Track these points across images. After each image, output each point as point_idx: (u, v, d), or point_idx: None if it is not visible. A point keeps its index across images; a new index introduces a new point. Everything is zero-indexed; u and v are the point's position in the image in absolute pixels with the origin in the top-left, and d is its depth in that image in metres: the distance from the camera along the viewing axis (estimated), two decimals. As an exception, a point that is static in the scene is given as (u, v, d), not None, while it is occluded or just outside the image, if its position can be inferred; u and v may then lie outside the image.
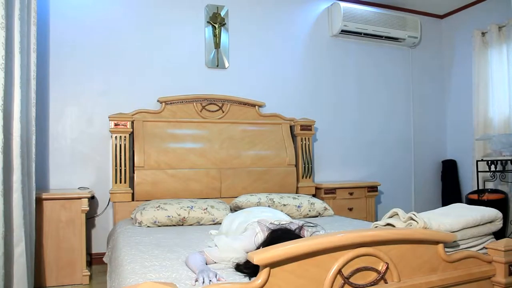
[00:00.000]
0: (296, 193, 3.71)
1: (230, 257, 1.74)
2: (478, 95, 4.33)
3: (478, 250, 1.78)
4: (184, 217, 2.89)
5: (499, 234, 2.33)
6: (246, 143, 3.66)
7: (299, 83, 4.21)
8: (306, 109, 4.16)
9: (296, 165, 3.83)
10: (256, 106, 3.87)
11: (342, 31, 4.24)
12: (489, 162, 3.86)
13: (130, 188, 3.27)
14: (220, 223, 2.60)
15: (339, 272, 1.41)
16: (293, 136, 3.89)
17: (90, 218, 3.36)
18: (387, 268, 1.49)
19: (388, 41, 4.55)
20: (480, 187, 4.13)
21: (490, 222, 1.81)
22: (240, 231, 1.96)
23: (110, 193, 3.25)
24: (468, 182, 4.54)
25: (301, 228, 1.84)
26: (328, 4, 4.35)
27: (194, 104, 3.66)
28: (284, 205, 3.21)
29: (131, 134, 3.36)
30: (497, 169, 3.87)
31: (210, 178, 3.46)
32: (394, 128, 4.65)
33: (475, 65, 4.38)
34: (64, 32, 3.39)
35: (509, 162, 3.80)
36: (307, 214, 3.26)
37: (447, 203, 2.99)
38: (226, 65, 3.89)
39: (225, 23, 3.89)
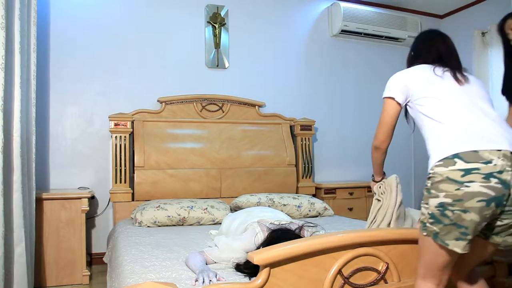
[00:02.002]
0: (296, 193, 3.71)
1: (230, 257, 1.74)
2: (478, 95, 4.32)
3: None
4: (184, 217, 2.89)
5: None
6: (246, 143, 3.66)
7: (299, 83, 4.20)
8: (306, 109, 4.16)
9: (296, 165, 3.83)
10: (256, 106, 3.87)
11: (342, 31, 4.24)
12: (489, 162, 3.86)
13: (130, 188, 3.27)
14: (220, 223, 2.60)
15: (339, 272, 1.41)
16: (293, 136, 3.89)
17: (90, 218, 3.36)
18: (387, 268, 1.49)
19: (388, 41, 4.55)
20: (480, 187, 4.12)
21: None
22: (240, 231, 1.96)
23: (110, 193, 3.25)
24: (468, 182, 4.53)
25: (301, 228, 1.84)
26: (328, 4, 4.35)
27: (194, 104, 3.66)
28: (284, 205, 3.21)
29: (131, 134, 3.36)
30: (497, 169, 3.86)
31: (210, 178, 3.46)
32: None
33: (475, 65, 4.37)
34: (64, 32, 3.38)
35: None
36: (307, 214, 3.26)
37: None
38: (226, 65, 3.89)
39: (225, 23, 3.89)
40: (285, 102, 4.08)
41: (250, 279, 1.50)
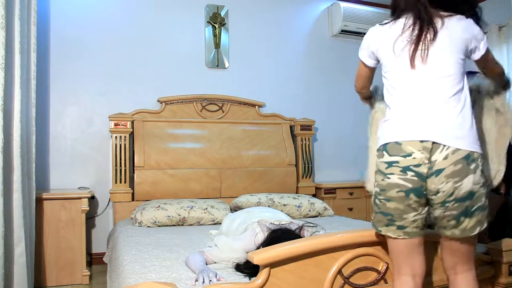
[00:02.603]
0: (296, 193, 3.71)
1: (230, 257, 1.74)
2: (478, 95, 4.32)
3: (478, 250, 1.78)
4: (184, 217, 2.89)
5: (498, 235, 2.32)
6: (246, 143, 3.66)
7: (299, 83, 4.20)
8: (306, 109, 4.16)
9: (296, 165, 3.83)
10: (256, 106, 3.87)
11: (342, 31, 4.23)
12: (489, 162, 3.86)
13: (130, 188, 3.27)
14: (220, 223, 2.60)
15: (339, 272, 1.41)
16: (293, 136, 3.89)
17: (90, 218, 3.35)
18: (387, 268, 1.49)
19: (388, 41, 4.54)
20: (480, 187, 4.12)
21: (490, 222, 1.81)
22: (240, 231, 1.96)
23: (110, 193, 3.25)
24: (468, 182, 4.53)
25: (301, 228, 1.84)
26: (328, 4, 4.35)
27: (194, 104, 3.66)
28: (284, 205, 3.21)
29: (131, 134, 3.36)
30: (497, 169, 3.86)
31: (210, 178, 3.46)
32: (394, 128, 4.64)
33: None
34: (64, 32, 3.38)
35: (509, 162, 3.79)
36: (307, 214, 3.26)
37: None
38: (226, 65, 3.89)
39: (225, 23, 3.89)
40: (285, 102, 4.08)
41: (250, 279, 1.50)
